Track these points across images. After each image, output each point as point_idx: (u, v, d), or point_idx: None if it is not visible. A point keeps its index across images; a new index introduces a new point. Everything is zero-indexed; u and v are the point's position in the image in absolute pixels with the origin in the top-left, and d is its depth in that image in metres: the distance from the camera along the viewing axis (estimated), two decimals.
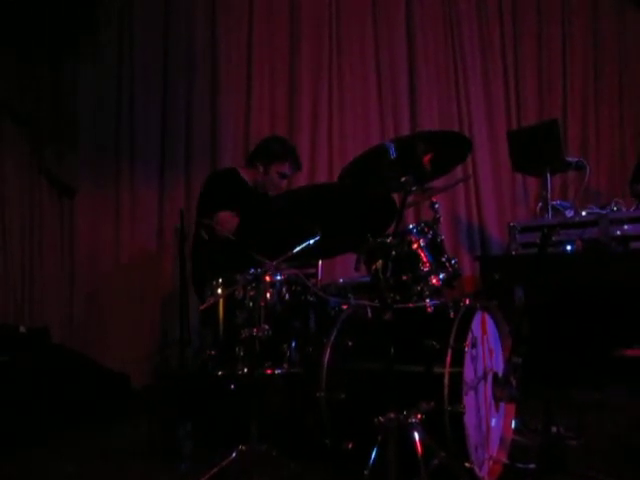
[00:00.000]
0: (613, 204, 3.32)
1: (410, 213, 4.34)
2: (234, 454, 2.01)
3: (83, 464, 2.43)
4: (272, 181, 3.22)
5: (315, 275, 3.14)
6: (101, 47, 3.98)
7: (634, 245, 2.92)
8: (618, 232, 2.97)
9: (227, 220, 2.95)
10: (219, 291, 2.36)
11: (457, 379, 1.93)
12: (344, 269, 3.80)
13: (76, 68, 3.92)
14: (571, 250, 3.02)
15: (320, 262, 3.13)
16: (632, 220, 2.97)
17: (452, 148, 2.31)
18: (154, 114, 4.12)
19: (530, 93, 4.88)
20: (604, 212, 3.17)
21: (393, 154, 2.14)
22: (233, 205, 2.96)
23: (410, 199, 2.84)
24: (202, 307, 2.18)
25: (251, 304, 2.20)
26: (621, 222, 2.98)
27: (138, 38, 4.08)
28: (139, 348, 3.85)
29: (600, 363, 3.50)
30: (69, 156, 3.91)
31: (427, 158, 2.21)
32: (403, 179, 2.18)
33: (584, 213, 3.35)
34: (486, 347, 2.20)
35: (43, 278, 3.80)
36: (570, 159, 3.77)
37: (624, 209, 3.27)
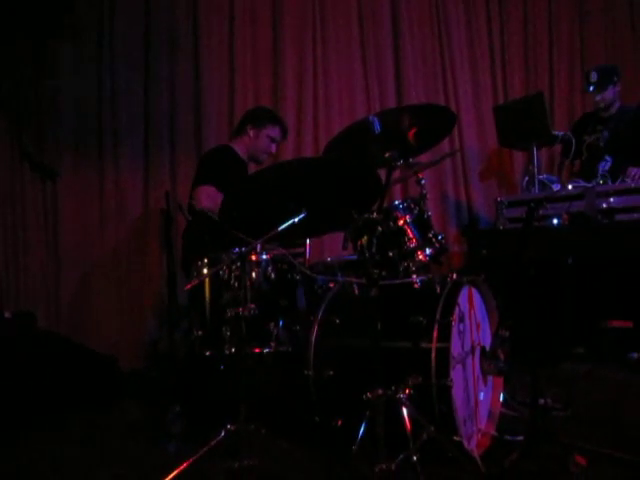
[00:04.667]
0: (599, 177, 3.33)
1: (397, 189, 4.33)
2: (222, 433, 2.01)
3: (71, 447, 2.42)
4: (262, 145, 3.27)
5: (303, 254, 3.13)
6: (82, 29, 3.89)
7: (620, 217, 2.93)
8: (604, 205, 2.98)
9: (208, 194, 2.94)
10: (204, 271, 2.35)
11: (444, 354, 1.94)
12: (332, 248, 3.79)
13: (57, 50, 3.84)
14: (557, 223, 3.03)
15: (308, 241, 3.11)
16: (618, 193, 2.97)
17: (437, 121, 2.29)
18: (137, 95, 4.04)
19: (516, 68, 4.86)
20: (590, 185, 3.18)
21: (377, 129, 2.12)
22: (227, 182, 2.92)
23: (396, 175, 2.84)
24: (187, 286, 2.16)
25: (236, 284, 2.19)
26: (607, 195, 2.99)
27: (119, 18, 3.99)
28: (127, 331, 3.83)
29: (587, 335, 3.53)
30: (50, 139, 3.85)
31: (412, 132, 2.20)
32: (388, 154, 2.16)
33: (570, 187, 3.36)
34: (473, 321, 2.21)
35: (28, 263, 3.74)
36: (557, 133, 3.76)
37: (610, 182, 3.28)
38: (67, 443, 2.47)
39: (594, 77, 3.62)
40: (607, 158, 3.50)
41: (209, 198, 2.96)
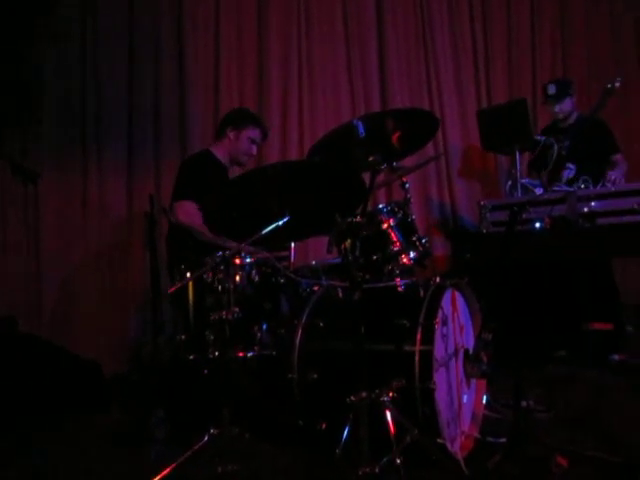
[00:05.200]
0: (581, 181, 3.36)
1: (382, 193, 4.34)
2: (206, 438, 2.00)
3: (54, 452, 2.40)
4: (243, 147, 3.24)
5: (287, 258, 3.12)
6: (65, 29, 3.85)
7: (600, 221, 2.96)
8: (585, 209, 3.00)
9: (186, 211, 2.93)
10: (188, 274, 2.34)
11: (427, 356, 1.95)
12: (317, 252, 3.79)
13: (39, 51, 3.79)
14: (540, 227, 3.05)
15: (292, 245, 3.11)
16: (598, 197, 3.00)
17: (420, 126, 2.31)
18: (120, 98, 4.01)
19: (500, 73, 4.93)
20: (572, 189, 3.21)
21: (362, 132, 2.13)
22: (207, 190, 2.92)
23: (381, 179, 2.85)
24: (170, 290, 2.15)
25: (220, 287, 2.18)
26: (588, 199, 3.01)
27: (102, 18, 3.96)
28: (110, 335, 3.79)
29: (569, 337, 3.57)
30: (32, 141, 3.80)
31: (396, 136, 2.21)
32: (371, 158, 2.17)
33: (553, 190, 3.40)
34: (457, 324, 2.23)
35: (8, 267, 3.69)
36: (539, 137, 3.80)
37: (591, 186, 3.32)
38: (50, 448, 2.45)
39: (552, 90, 3.72)
40: (570, 166, 3.57)
41: (187, 215, 2.95)
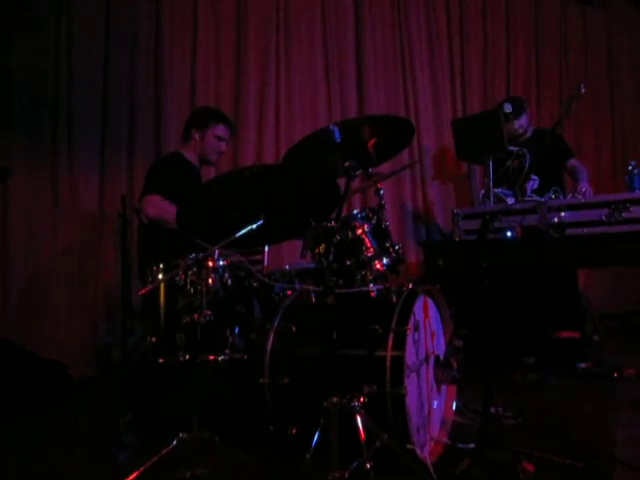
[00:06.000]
0: (551, 192, 3.42)
1: (357, 199, 4.37)
2: (175, 442, 1.98)
3: (17, 457, 2.34)
4: (210, 145, 3.22)
5: (261, 261, 3.12)
6: (38, 23, 3.78)
7: (570, 231, 3.02)
8: (555, 219, 3.06)
9: (153, 203, 2.90)
10: (159, 276, 2.31)
11: (399, 362, 1.96)
12: (291, 256, 3.79)
13: (10, 47, 3.72)
14: (511, 236, 3.10)
15: (266, 249, 3.10)
16: (568, 207, 3.06)
17: (396, 132, 2.33)
18: (94, 96, 3.95)
19: (475, 82, 5.01)
20: (542, 199, 3.26)
21: (338, 138, 2.14)
22: (179, 191, 2.90)
23: (356, 184, 2.86)
24: (141, 292, 2.12)
25: (192, 289, 2.16)
26: (558, 209, 3.07)
27: (77, 15, 3.90)
28: (79, 336, 3.72)
29: (537, 345, 3.63)
30: (2, 140, 3.72)
31: (371, 143, 2.22)
32: (347, 163, 2.18)
33: (525, 200, 3.45)
34: (428, 330, 2.24)
35: None
36: (511, 148, 3.85)
37: (561, 197, 3.38)
38: (12, 450, 2.39)
39: (508, 108, 3.84)
40: (534, 177, 3.66)
41: (155, 207, 2.93)
